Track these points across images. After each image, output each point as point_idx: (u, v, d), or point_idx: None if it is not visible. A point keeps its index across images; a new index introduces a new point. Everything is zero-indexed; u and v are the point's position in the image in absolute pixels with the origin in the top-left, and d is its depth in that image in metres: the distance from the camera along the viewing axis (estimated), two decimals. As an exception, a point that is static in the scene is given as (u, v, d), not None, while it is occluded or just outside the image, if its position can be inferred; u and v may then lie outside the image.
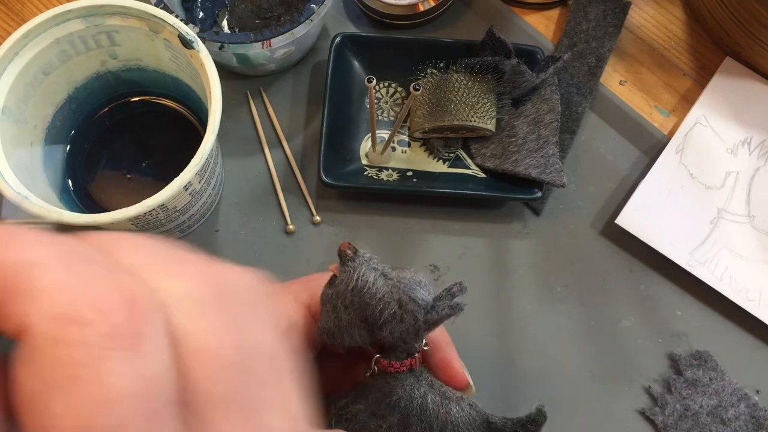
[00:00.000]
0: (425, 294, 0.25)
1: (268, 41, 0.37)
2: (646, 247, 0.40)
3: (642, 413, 0.37)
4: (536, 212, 0.42)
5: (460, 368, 0.28)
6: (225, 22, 0.44)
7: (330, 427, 0.26)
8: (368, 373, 0.26)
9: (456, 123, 0.40)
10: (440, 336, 0.28)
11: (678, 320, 0.39)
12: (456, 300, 0.25)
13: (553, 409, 0.37)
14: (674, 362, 0.38)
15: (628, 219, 0.40)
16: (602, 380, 0.38)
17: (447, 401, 0.25)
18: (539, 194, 0.39)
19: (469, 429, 0.25)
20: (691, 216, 0.41)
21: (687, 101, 0.44)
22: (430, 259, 0.40)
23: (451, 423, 0.25)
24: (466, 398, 0.26)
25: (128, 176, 0.40)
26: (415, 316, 0.24)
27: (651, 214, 0.40)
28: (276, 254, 0.40)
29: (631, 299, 0.40)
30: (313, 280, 0.28)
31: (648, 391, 0.38)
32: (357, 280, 0.24)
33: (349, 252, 0.25)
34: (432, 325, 0.25)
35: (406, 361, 0.25)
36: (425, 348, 0.27)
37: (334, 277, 0.25)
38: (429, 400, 0.25)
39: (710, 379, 0.38)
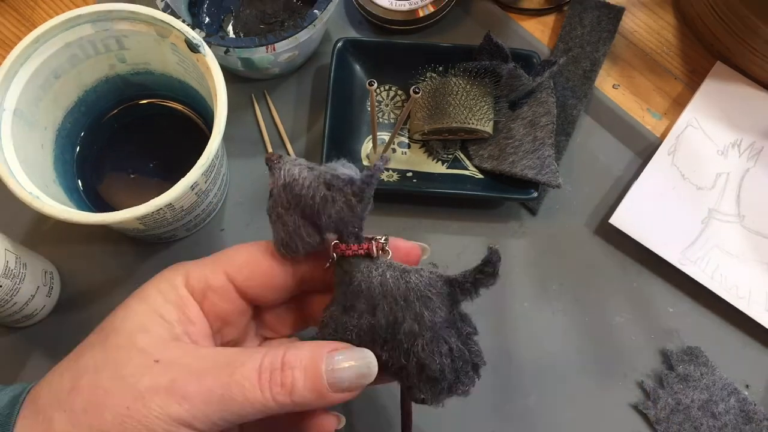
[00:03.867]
0: (349, 171, 0.26)
1: (272, 46, 0.38)
2: (639, 246, 0.41)
3: (635, 407, 0.38)
4: (532, 212, 0.42)
5: (407, 242, 0.28)
6: (230, 27, 0.45)
7: (317, 337, 0.26)
8: (328, 264, 0.27)
9: (454, 125, 0.41)
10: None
11: (670, 317, 0.40)
12: (378, 164, 0.25)
13: (549, 403, 0.38)
14: (666, 358, 0.39)
15: (622, 219, 0.41)
16: (596, 375, 0.39)
17: (406, 273, 0.26)
18: (535, 194, 0.40)
19: (430, 290, 0.25)
20: (682, 216, 0.42)
21: (678, 104, 0.45)
22: (429, 257, 0.41)
23: (413, 290, 0.25)
24: (424, 267, 0.26)
25: (136, 177, 0.40)
26: (342, 191, 0.25)
27: (644, 214, 0.41)
28: (279, 253, 0.41)
29: (625, 297, 0.41)
30: (219, 257, 0.27)
31: (641, 385, 0.39)
32: (284, 177, 0.25)
33: (273, 158, 0.26)
34: (360, 193, 0.25)
35: (363, 245, 0.26)
36: (379, 239, 0.27)
37: (271, 190, 0.26)
38: (388, 276, 0.25)
39: (701, 375, 0.39)
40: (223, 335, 0.28)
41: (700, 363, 0.39)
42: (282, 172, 0.26)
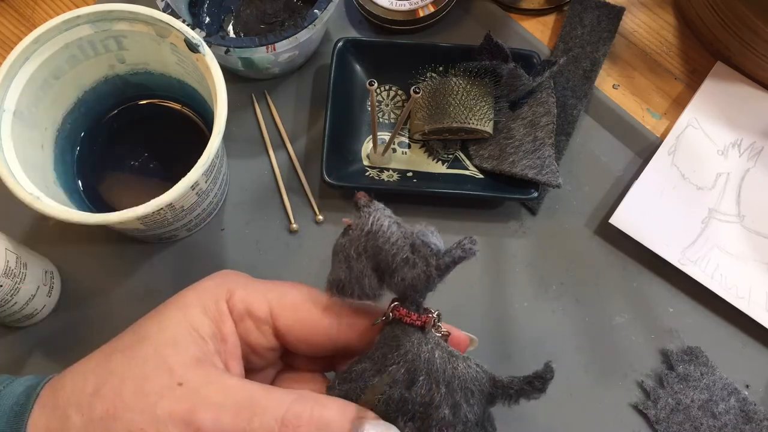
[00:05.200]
0: (437, 241, 0.25)
1: (272, 45, 0.38)
2: (639, 246, 0.41)
3: (635, 407, 0.38)
4: (532, 212, 0.43)
5: (458, 331, 0.27)
6: (231, 27, 0.45)
7: (333, 388, 0.25)
8: (381, 320, 0.26)
9: (455, 125, 0.41)
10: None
11: (670, 317, 0.40)
12: (467, 245, 0.24)
13: (548, 403, 0.38)
14: (666, 357, 0.39)
15: (622, 219, 0.41)
16: (596, 375, 0.39)
17: (454, 358, 0.25)
18: (535, 194, 0.40)
19: (475, 385, 0.25)
20: (682, 216, 0.42)
21: (678, 104, 0.45)
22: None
23: (458, 378, 0.24)
24: (472, 359, 0.25)
25: (136, 177, 0.40)
26: (427, 260, 0.24)
27: (644, 214, 0.41)
28: (279, 252, 0.41)
29: (625, 296, 0.41)
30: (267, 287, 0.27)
31: (641, 385, 0.39)
32: (372, 224, 0.24)
33: (364, 200, 0.25)
34: (444, 269, 0.24)
35: (423, 316, 0.25)
36: (444, 333, 0.26)
37: (348, 228, 0.25)
38: (436, 355, 0.24)
39: (701, 374, 0.39)
40: (248, 362, 0.27)
41: (700, 363, 0.39)
42: (371, 219, 0.24)
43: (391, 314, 0.25)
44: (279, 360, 0.29)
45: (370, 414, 0.24)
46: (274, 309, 0.26)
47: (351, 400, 0.25)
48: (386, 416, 0.24)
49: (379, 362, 0.25)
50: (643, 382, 0.39)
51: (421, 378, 0.24)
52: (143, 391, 0.23)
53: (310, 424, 0.23)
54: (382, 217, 0.25)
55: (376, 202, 0.25)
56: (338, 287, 0.25)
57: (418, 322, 0.25)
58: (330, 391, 0.25)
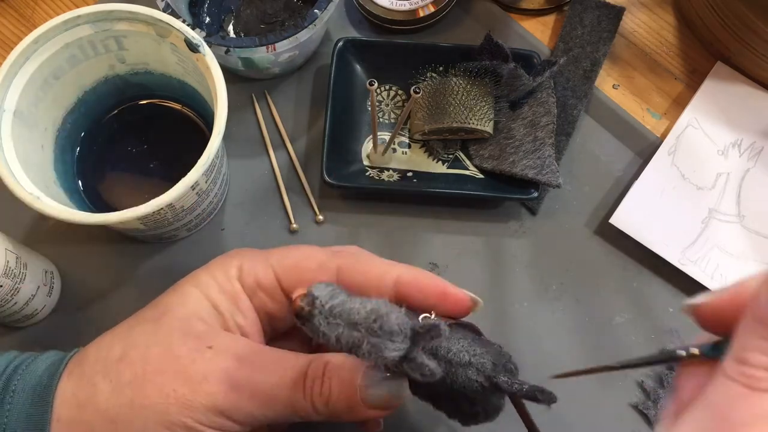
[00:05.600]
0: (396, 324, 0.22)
1: (272, 45, 0.38)
2: (639, 246, 0.41)
3: (635, 407, 0.38)
4: (533, 212, 0.43)
5: (457, 290, 0.27)
6: (231, 27, 0.45)
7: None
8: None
9: (455, 125, 0.41)
10: (426, 278, 0.27)
11: (670, 317, 0.40)
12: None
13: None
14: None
15: (622, 219, 0.41)
16: (596, 375, 0.39)
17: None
18: (535, 194, 0.40)
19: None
20: (683, 216, 0.42)
21: (678, 104, 0.45)
22: (429, 257, 0.41)
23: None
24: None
25: (136, 177, 0.40)
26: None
27: (644, 213, 0.41)
28: (279, 253, 0.41)
29: (625, 297, 0.41)
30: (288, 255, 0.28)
31: (641, 385, 0.39)
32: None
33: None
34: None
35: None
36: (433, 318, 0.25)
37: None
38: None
39: None
40: (274, 329, 0.28)
41: None
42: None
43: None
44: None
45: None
46: (277, 271, 0.27)
47: None
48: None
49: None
50: (643, 382, 0.39)
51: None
52: (174, 355, 0.24)
53: (328, 375, 0.24)
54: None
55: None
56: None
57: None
58: None
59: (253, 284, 0.27)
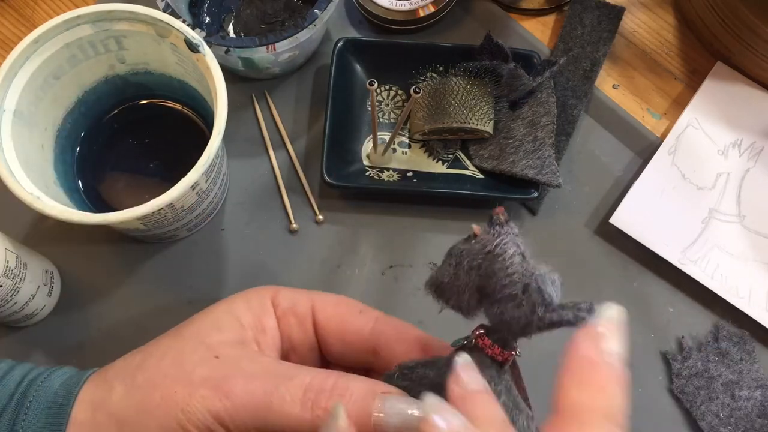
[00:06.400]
0: (554, 293, 0.23)
1: (272, 45, 0.38)
2: (639, 246, 0.41)
3: (664, 355, 0.39)
4: (533, 212, 0.43)
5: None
6: (231, 27, 0.45)
7: (391, 381, 0.25)
8: (462, 342, 0.25)
9: (455, 125, 0.41)
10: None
11: (670, 317, 0.40)
12: (582, 313, 0.22)
13: (548, 403, 0.38)
14: (715, 329, 0.40)
15: (622, 218, 0.41)
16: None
17: (517, 411, 0.23)
18: (535, 194, 0.40)
19: None
20: (683, 216, 0.42)
21: (678, 104, 0.45)
22: (429, 257, 0.41)
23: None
24: (535, 421, 0.24)
25: (136, 177, 0.40)
26: (534, 307, 0.22)
27: (644, 213, 0.41)
28: (279, 252, 0.41)
29: (625, 296, 0.41)
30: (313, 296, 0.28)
31: (680, 340, 0.39)
32: (497, 246, 0.23)
33: (501, 217, 0.23)
34: (547, 325, 0.23)
35: (506, 353, 0.24)
36: (517, 354, 0.24)
37: (472, 236, 0.24)
38: (501, 400, 0.23)
39: (740, 359, 0.39)
40: (288, 360, 0.28)
41: (744, 349, 0.39)
42: (497, 240, 0.23)
43: (473, 340, 0.24)
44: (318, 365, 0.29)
45: (396, 390, 0.24)
46: (316, 304, 0.28)
47: None
48: None
49: (442, 377, 0.23)
50: (683, 337, 0.39)
51: None
52: (181, 362, 0.25)
53: (335, 390, 0.23)
54: (509, 243, 0.23)
55: (511, 225, 0.23)
56: (437, 288, 0.24)
57: (500, 358, 0.24)
58: (387, 379, 0.25)
59: (287, 308, 0.27)
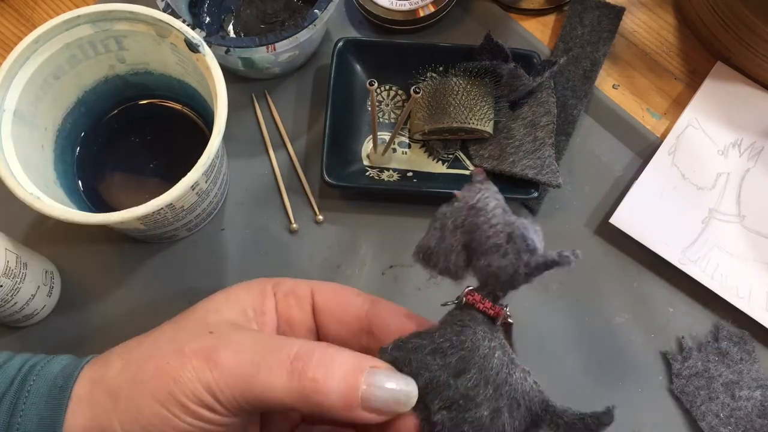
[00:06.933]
0: (536, 239, 0.23)
1: (272, 45, 0.38)
2: (639, 246, 0.41)
3: (664, 355, 0.39)
4: (533, 212, 0.43)
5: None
6: (231, 27, 0.45)
7: (385, 352, 0.25)
8: (452, 302, 0.25)
9: (455, 125, 0.41)
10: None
11: (670, 317, 0.40)
12: (566, 252, 0.23)
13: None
14: (715, 329, 0.40)
15: (622, 218, 0.41)
16: (596, 375, 0.39)
17: (513, 366, 0.24)
18: (535, 194, 0.40)
19: (524, 400, 0.23)
20: (683, 216, 0.42)
21: (678, 104, 0.45)
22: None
23: (510, 386, 0.23)
24: (532, 374, 0.24)
25: (136, 177, 0.40)
26: (519, 254, 0.23)
27: (644, 213, 0.41)
28: (280, 252, 0.41)
29: (625, 296, 0.41)
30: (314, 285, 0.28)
31: (680, 340, 0.39)
32: (478, 201, 0.24)
33: (480, 176, 0.25)
34: (533, 269, 0.23)
35: (496, 307, 0.24)
36: (509, 315, 0.25)
37: (455, 198, 0.25)
38: (496, 355, 0.23)
39: (740, 359, 0.39)
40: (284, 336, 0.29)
41: (744, 349, 0.39)
42: (478, 195, 0.24)
43: (464, 298, 0.25)
44: None
45: (385, 364, 0.24)
46: (315, 287, 0.28)
47: (397, 368, 0.24)
48: (424, 395, 0.24)
49: (437, 342, 0.24)
50: (683, 337, 0.39)
51: (472, 371, 0.23)
52: (176, 337, 0.25)
53: (321, 360, 0.23)
54: (491, 197, 0.24)
55: (491, 183, 0.25)
56: (424, 254, 0.24)
57: (491, 312, 0.24)
58: (381, 354, 0.25)
59: (287, 291, 0.28)
